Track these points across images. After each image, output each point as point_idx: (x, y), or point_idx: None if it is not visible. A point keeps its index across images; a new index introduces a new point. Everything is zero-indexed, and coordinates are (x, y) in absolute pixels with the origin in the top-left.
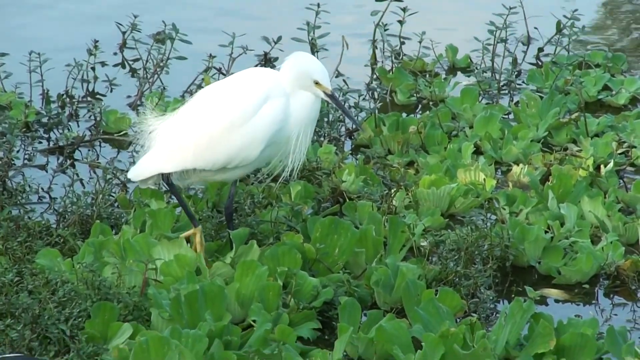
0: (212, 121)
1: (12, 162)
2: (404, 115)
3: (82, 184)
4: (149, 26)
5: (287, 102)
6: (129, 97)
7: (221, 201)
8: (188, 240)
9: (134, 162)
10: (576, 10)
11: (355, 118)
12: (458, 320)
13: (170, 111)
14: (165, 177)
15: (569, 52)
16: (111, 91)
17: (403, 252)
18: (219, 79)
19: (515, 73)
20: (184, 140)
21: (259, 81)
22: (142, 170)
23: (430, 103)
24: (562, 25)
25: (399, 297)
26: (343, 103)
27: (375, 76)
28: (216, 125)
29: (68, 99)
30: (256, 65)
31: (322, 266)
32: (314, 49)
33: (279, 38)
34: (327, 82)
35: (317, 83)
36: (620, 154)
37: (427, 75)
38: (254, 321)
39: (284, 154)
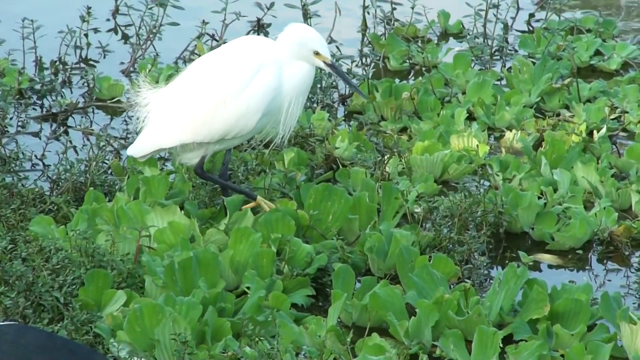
0: (208, 94)
1: (6, 130)
2: (397, 81)
3: (76, 151)
4: None
5: (281, 70)
6: (122, 63)
7: (215, 168)
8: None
9: (127, 130)
10: None
11: (359, 88)
12: (452, 286)
13: (163, 79)
14: (197, 167)
15: (559, 17)
16: (104, 57)
17: (396, 218)
18: (212, 45)
19: (506, 39)
20: (181, 115)
21: (251, 50)
22: (141, 147)
23: (423, 69)
24: None
25: (393, 264)
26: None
27: (367, 42)
28: (212, 98)
29: (61, 66)
30: (249, 32)
31: (316, 233)
32: (306, 15)
33: (272, 4)
34: (327, 52)
35: (317, 53)
36: (612, 119)
37: (420, 41)
38: (247, 288)
39: (277, 122)
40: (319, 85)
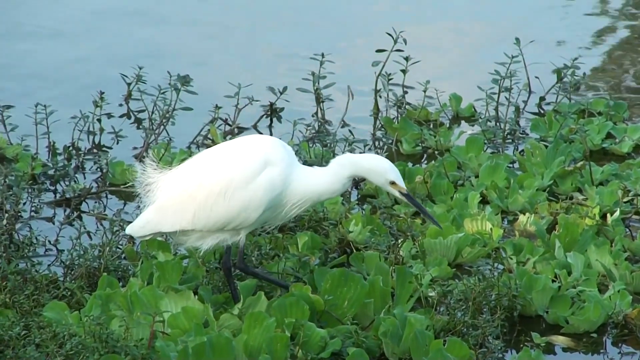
0: (212, 183)
1: (19, 215)
2: (410, 165)
3: (89, 236)
4: (153, 77)
5: (289, 170)
6: (135, 148)
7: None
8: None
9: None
10: (576, 58)
11: (432, 216)
12: None
13: (177, 162)
14: (223, 262)
15: (570, 100)
16: (117, 143)
17: (411, 302)
18: (224, 130)
19: (518, 122)
20: (183, 201)
21: (258, 147)
22: (141, 227)
23: (436, 152)
24: (562, 74)
25: (407, 348)
26: (415, 199)
27: (380, 125)
28: (215, 188)
29: (74, 151)
30: (262, 117)
31: (331, 317)
32: (319, 99)
33: (285, 88)
34: (402, 182)
35: (392, 183)
36: (625, 202)
37: (432, 125)
38: None
39: (276, 217)
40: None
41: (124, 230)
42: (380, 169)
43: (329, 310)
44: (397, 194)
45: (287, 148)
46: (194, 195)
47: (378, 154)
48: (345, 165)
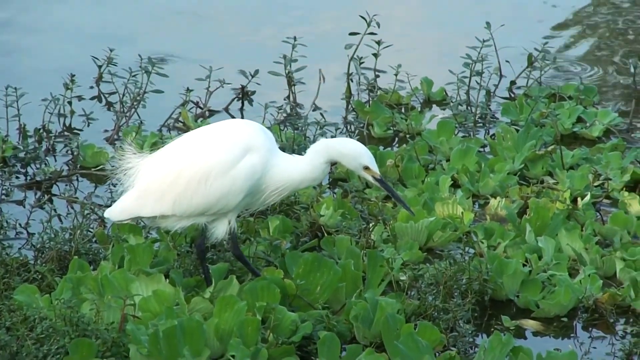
0: (193, 169)
1: None
2: (381, 148)
3: (60, 219)
4: (124, 59)
5: (268, 156)
6: (106, 131)
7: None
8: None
9: (112, 197)
10: (547, 42)
11: (405, 201)
12: (437, 354)
13: (148, 147)
14: (197, 244)
15: (540, 85)
16: (88, 125)
17: (382, 286)
18: (196, 113)
19: (489, 106)
20: (163, 187)
21: (239, 132)
22: (119, 211)
23: (407, 136)
24: (533, 58)
25: (378, 332)
26: (389, 184)
27: (351, 109)
28: (196, 174)
29: (45, 134)
30: (233, 99)
31: (303, 303)
32: (291, 83)
33: (256, 72)
34: (376, 168)
35: (366, 168)
36: (596, 186)
37: (403, 109)
38: (232, 356)
39: (256, 202)
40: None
41: (98, 214)
42: (354, 153)
43: (300, 295)
44: (371, 179)
45: (268, 134)
46: (175, 182)
47: (350, 137)
48: (320, 151)
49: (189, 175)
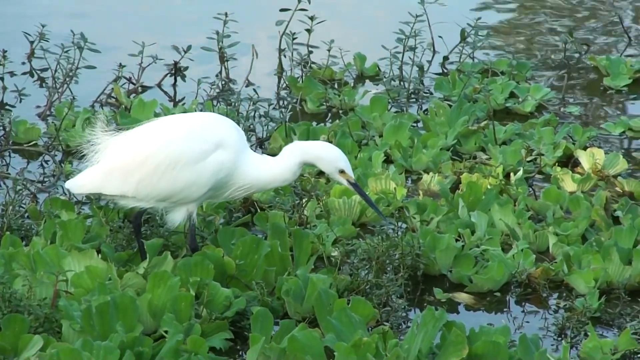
0: (161, 157)
1: None
2: (314, 124)
3: None
4: (56, 35)
5: (238, 156)
6: (38, 107)
7: (132, 212)
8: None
9: (44, 173)
10: (479, 18)
11: (378, 207)
12: (370, 329)
13: (80, 123)
14: (134, 217)
15: (473, 60)
16: (20, 101)
17: (310, 263)
18: (128, 88)
19: (422, 81)
20: (130, 168)
21: (213, 127)
22: (81, 185)
23: (340, 111)
24: (466, 34)
25: (310, 307)
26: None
27: (284, 85)
28: (164, 162)
29: None
30: (166, 75)
31: (240, 284)
32: (223, 58)
33: (189, 47)
34: (351, 172)
35: (342, 172)
36: (529, 161)
37: (336, 84)
38: (165, 332)
39: (220, 195)
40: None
41: (30, 189)
42: (330, 157)
43: (238, 277)
44: (345, 183)
45: (240, 133)
46: (142, 164)
47: (282, 113)
48: (295, 153)
49: (157, 160)
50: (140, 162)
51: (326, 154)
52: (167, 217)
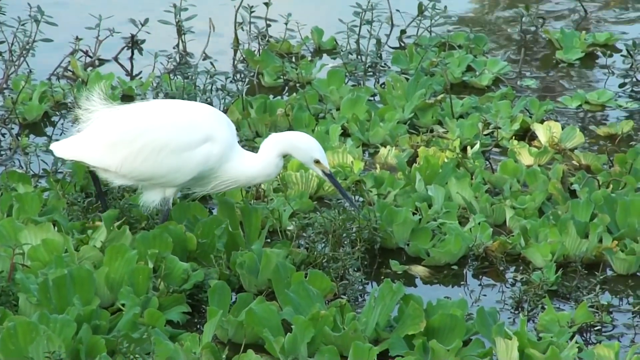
0: (150, 139)
1: None
2: (272, 97)
3: None
4: (13, 8)
5: (227, 150)
6: None
7: (89, 184)
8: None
9: (0, 147)
10: None
11: (353, 199)
12: (328, 302)
13: (37, 96)
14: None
15: (431, 34)
16: None
17: (262, 237)
18: (85, 61)
19: (380, 55)
20: (117, 144)
21: (205, 119)
22: (65, 149)
23: (297, 85)
24: (423, 7)
25: (265, 280)
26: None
27: (241, 58)
28: (152, 144)
29: None
30: (123, 48)
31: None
32: (180, 32)
33: (146, 20)
34: (326, 162)
35: (317, 162)
36: (485, 135)
37: (294, 58)
38: (123, 305)
39: (202, 187)
40: (198, 100)
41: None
42: (306, 147)
43: (198, 257)
44: (320, 173)
45: (232, 127)
46: (130, 143)
47: (239, 87)
48: (272, 146)
49: (145, 141)
50: (128, 140)
51: (301, 144)
52: (143, 197)
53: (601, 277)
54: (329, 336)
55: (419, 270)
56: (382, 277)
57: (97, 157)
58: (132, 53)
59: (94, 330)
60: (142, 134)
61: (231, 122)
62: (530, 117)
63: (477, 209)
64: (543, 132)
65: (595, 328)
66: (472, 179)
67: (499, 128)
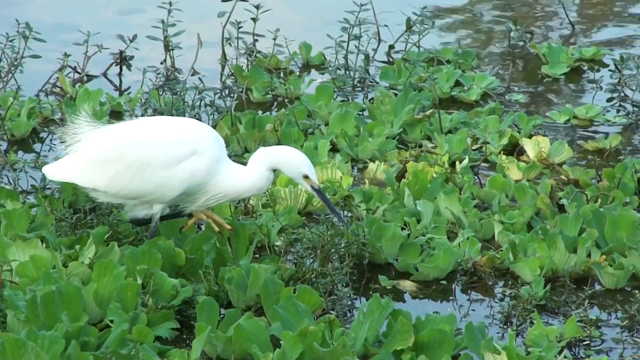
0: (136, 156)
1: None
2: (260, 113)
3: None
4: (0, 24)
5: (214, 165)
6: None
7: (78, 200)
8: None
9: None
10: (425, 7)
11: (342, 214)
12: (316, 318)
13: (25, 112)
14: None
15: (419, 49)
16: None
17: (249, 253)
18: (74, 77)
19: (368, 70)
20: (104, 164)
21: (190, 133)
22: (56, 173)
23: (286, 100)
24: (411, 22)
25: (254, 296)
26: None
27: (230, 74)
28: (138, 161)
29: None
30: (112, 64)
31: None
32: (168, 47)
33: (134, 36)
34: (315, 177)
35: (306, 177)
36: (474, 150)
37: (282, 73)
38: (111, 321)
39: (192, 201)
40: (187, 114)
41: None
42: (294, 162)
43: (186, 273)
44: (309, 188)
45: (220, 141)
46: (116, 161)
47: (227, 102)
48: (261, 160)
49: (131, 159)
50: (114, 158)
51: (290, 159)
52: (130, 215)
53: (590, 292)
54: (317, 352)
55: (407, 285)
56: (371, 292)
57: (86, 179)
58: (121, 69)
59: (82, 347)
60: (129, 151)
61: (219, 137)
62: (519, 132)
63: (466, 223)
64: (531, 147)
65: (584, 343)
66: (460, 193)
67: (488, 143)
